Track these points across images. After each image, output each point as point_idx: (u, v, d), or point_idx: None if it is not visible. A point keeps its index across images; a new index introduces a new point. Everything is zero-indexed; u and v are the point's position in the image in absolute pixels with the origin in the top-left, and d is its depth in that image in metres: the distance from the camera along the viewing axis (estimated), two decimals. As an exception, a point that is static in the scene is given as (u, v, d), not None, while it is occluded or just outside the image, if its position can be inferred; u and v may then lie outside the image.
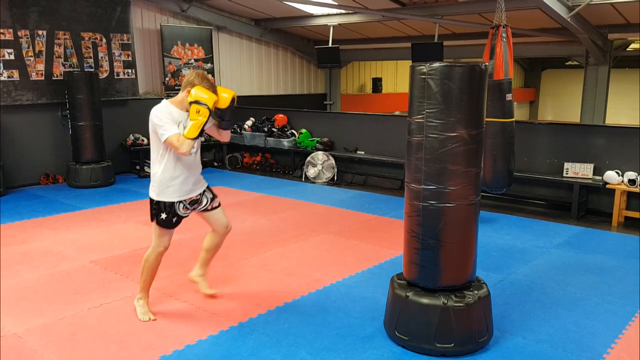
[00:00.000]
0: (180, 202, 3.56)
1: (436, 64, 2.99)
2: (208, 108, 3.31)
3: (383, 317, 3.57)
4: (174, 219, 3.58)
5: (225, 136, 3.81)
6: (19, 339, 3.43)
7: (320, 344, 3.35)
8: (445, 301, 3.14)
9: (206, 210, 3.75)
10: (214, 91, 3.43)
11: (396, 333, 3.30)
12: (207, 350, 3.29)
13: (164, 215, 3.54)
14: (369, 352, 3.27)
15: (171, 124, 3.39)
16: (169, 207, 3.54)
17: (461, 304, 3.14)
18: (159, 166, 3.51)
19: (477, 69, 3.02)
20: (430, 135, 3.05)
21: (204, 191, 3.72)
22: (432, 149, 3.05)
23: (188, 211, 3.65)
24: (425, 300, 3.18)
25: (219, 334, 3.48)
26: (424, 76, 3.01)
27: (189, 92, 3.40)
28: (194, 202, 3.66)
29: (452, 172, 3.05)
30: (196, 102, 3.30)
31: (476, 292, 3.24)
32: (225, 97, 3.47)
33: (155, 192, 3.54)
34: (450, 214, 3.11)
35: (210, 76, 3.57)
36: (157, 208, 3.55)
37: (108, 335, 3.48)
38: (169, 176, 3.50)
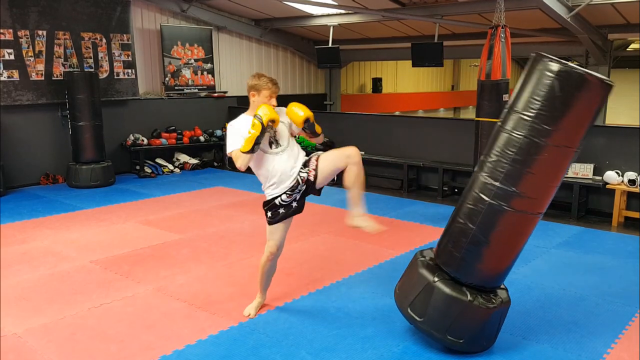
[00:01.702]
0: (282, 195, 3.53)
1: (570, 67, 2.69)
2: (262, 123, 3.33)
3: (393, 291, 3.50)
4: (280, 210, 3.53)
5: (318, 140, 3.79)
6: (19, 339, 3.43)
7: (320, 344, 3.35)
8: (472, 299, 3.08)
9: (315, 178, 3.50)
10: (275, 86, 3.50)
11: (409, 310, 3.23)
12: (207, 350, 3.29)
13: (269, 213, 3.57)
14: (369, 352, 3.27)
15: (236, 138, 3.45)
16: (269, 203, 3.56)
17: (484, 306, 3.09)
18: (262, 170, 3.55)
19: (610, 88, 2.73)
20: (531, 137, 2.78)
21: (300, 171, 3.51)
22: (525, 151, 2.81)
23: (291, 197, 3.53)
24: (451, 292, 3.11)
25: (219, 334, 3.48)
26: (552, 75, 2.71)
27: (253, 95, 3.51)
28: (294, 188, 3.52)
29: (536, 180, 2.86)
30: (255, 116, 3.37)
31: (500, 297, 3.20)
32: (299, 115, 3.49)
33: (267, 194, 3.58)
34: (513, 220, 2.96)
35: (265, 74, 3.61)
36: (265, 209, 3.59)
37: (108, 335, 3.48)
38: (267, 180, 3.55)
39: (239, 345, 3.34)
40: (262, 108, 3.39)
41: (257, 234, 5.67)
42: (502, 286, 3.37)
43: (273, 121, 3.37)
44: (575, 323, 3.66)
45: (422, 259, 3.36)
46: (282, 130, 3.55)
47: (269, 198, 3.58)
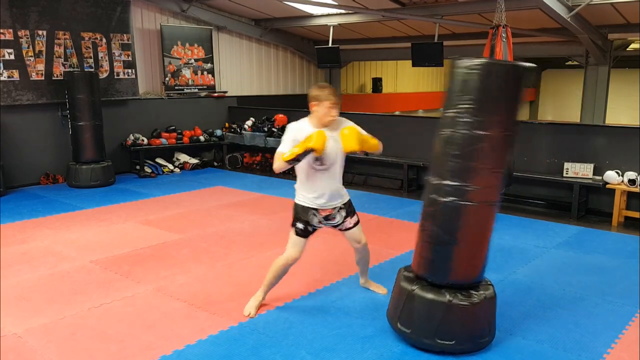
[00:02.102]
0: (314, 213, 3.61)
1: (479, 60, 2.90)
2: (305, 148, 3.33)
3: (386, 310, 3.56)
4: (309, 228, 3.64)
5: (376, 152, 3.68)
6: (19, 339, 3.43)
7: (320, 344, 3.35)
8: (451, 299, 3.12)
9: (340, 229, 3.79)
10: (337, 97, 3.50)
11: (398, 325, 3.28)
12: (207, 350, 3.29)
13: (300, 225, 3.62)
14: (369, 352, 3.27)
15: (288, 143, 3.46)
16: (306, 215, 3.60)
17: (466, 303, 3.12)
18: (302, 175, 3.60)
19: (520, 69, 2.92)
20: (461, 130, 2.96)
21: (340, 208, 3.69)
22: (460, 145, 2.97)
23: (321, 224, 3.69)
24: (430, 296, 3.16)
25: (219, 334, 3.48)
26: (465, 71, 2.92)
27: (314, 105, 3.51)
28: (328, 218, 3.68)
29: (477, 171, 2.98)
30: (307, 139, 3.36)
31: (482, 292, 3.23)
32: (346, 147, 3.43)
33: (296, 195, 3.65)
34: (470, 213, 3.05)
35: (328, 85, 3.57)
36: (295, 215, 3.64)
37: (108, 335, 3.48)
38: (302, 185, 3.61)
39: (239, 345, 3.34)
40: (316, 135, 3.34)
41: (257, 234, 5.67)
42: (487, 282, 3.39)
43: (313, 150, 3.35)
44: (575, 323, 3.66)
45: (404, 273, 3.43)
46: (332, 148, 3.49)
47: (303, 205, 3.60)
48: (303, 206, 3.61)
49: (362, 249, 3.92)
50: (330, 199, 3.62)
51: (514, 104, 2.98)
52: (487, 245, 3.23)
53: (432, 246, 3.17)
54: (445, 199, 3.06)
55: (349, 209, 3.75)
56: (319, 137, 3.33)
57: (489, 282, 3.39)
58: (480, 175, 2.99)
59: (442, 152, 3.07)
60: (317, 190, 3.58)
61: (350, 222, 3.76)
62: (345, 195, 3.75)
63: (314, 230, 3.68)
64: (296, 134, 3.48)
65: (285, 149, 3.44)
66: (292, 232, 3.67)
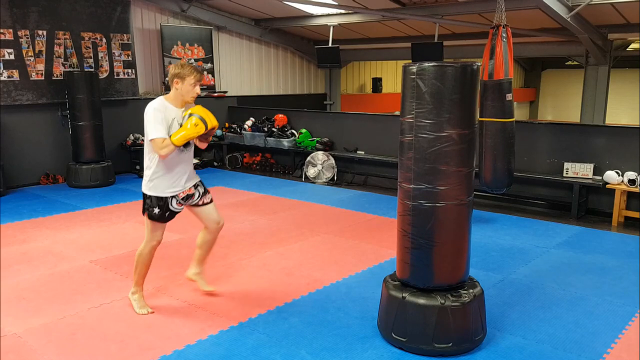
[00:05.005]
0: (173, 197, 3.63)
1: (426, 64, 2.98)
2: (206, 127, 3.45)
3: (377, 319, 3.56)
4: (167, 214, 3.65)
5: (203, 145, 3.87)
6: (19, 339, 3.43)
7: (320, 344, 3.35)
8: (443, 301, 3.14)
9: (197, 205, 3.79)
10: (200, 74, 3.59)
11: (393, 335, 3.28)
12: (207, 350, 3.29)
13: (156, 210, 3.61)
14: (369, 352, 3.27)
15: (161, 125, 3.49)
16: (162, 201, 3.61)
17: (458, 304, 3.14)
18: (153, 162, 3.60)
19: (468, 69, 3.00)
20: (420, 135, 3.05)
21: (197, 185, 3.77)
22: (421, 149, 3.06)
23: (181, 206, 3.72)
24: (422, 301, 3.17)
25: (219, 334, 3.48)
26: (413, 76, 3.02)
27: (176, 83, 3.54)
28: (188, 197, 3.71)
29: (441, 172, 3.05)
30: (200, 118, 3.43)
31: (471, 291, 3.25)
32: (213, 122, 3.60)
33: (148, 186, 3.62)
34: (441, 214, 3.10)
35: (189, 63, 3.67)
36: (150, 203, 3.62)
37: (108, 335, 3.48)
38: (162, 172, 3.59)
39: (239, 345, 3.34)
40: (205, 112, 3.46)
41: (257, 234, 5.67)
42: (472, 279, 3.41)
43: (214, 128, 3.51)
44: (575, 323, 3.66)
45: (389, 282, 3.43)
46: None
47: (161, 195, 3.60)
48: (159, 197, 3.60)
49: (216, 231, 3.90)
50: (189, 179, 3.69)
51: (467, 103, 3.03)
52: (466, 244, 3.25)
53: (410, 250, 3.20)
54: (415, 203, 3.13)
55: (204, 186, 3.83)
56: (208, 114, 3.47)
57: (474, 280, 3.42)
58: (446, 176, 3.06)
59: (406, 157, 3.14)
60: (178, 172, 3.61)
61: (207, 197, 3.82)
62: (196, 175, 3.84)
63: (173, 215, 3.69)
64: (164, 114, 3.52)
65: (161, 133, 3.45)
66: (146, 219, 3.67)
